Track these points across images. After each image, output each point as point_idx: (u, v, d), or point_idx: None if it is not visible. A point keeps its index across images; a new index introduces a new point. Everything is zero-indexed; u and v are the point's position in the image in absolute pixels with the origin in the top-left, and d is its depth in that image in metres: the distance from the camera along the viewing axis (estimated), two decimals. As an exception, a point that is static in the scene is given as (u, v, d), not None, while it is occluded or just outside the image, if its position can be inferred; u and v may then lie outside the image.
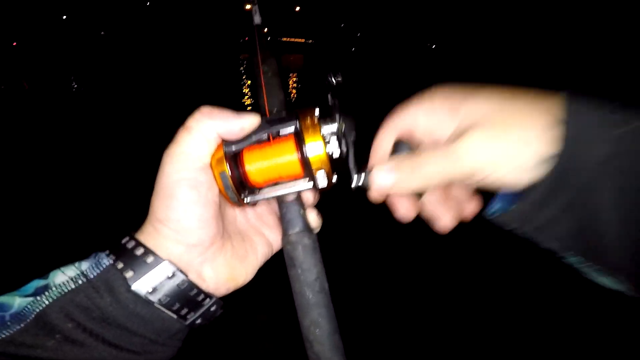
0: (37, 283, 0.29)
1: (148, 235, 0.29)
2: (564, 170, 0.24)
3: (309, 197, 0.32)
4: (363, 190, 0.30)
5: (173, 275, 0.28)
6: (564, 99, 0.25)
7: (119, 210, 2.35)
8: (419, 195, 0.32)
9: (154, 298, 0.28)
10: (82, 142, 3.97)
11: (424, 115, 0.30)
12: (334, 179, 0.29)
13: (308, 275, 0.29)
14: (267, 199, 0.30)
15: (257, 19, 0.37)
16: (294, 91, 7.35)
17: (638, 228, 0.24)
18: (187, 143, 0.28)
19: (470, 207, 0.32)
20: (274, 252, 0.34)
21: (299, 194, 0.31)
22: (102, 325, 0.27)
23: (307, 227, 0.30)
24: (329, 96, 0.29)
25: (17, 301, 0.27)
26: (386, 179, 0.29)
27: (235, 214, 0.33)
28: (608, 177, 0.24)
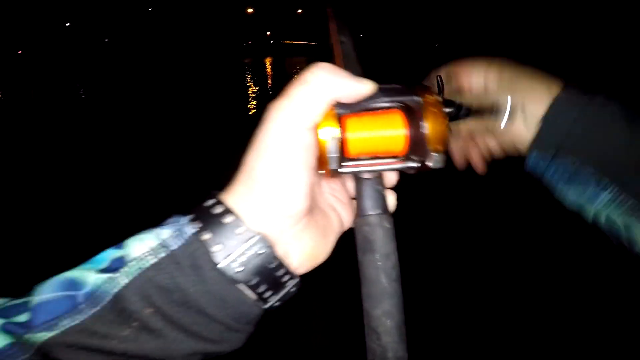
0: (112, 253, 0.25)
1: (238, 199, 0.26)
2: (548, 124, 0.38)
3: (392, 178, 0.31)
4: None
5: (263, 251, 0.25)
6: (562, 86, 0.39)
7: (126, 213, 2.42)
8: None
9: (240, 277, 0.25)
10: (89, 149, 4.01)
11: (477, 75, 0.42)
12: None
13: (386, 262, 0.27)
14: (364, 172, 0.29)
15: None
16: None
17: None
18: (303, 98, 0.25)
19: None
20: (343, 230, 0.32)
21: (381, 174, 0.29)
22: (182, 309, 0.24)
23: (387, 209, 0.28)
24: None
25: (91, 277, 0.24)
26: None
27: (319, 185, 0.31)
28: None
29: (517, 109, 0.39)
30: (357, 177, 0.29)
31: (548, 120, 0.38)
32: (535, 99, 0.39)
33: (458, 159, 0.47)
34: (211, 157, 3.45)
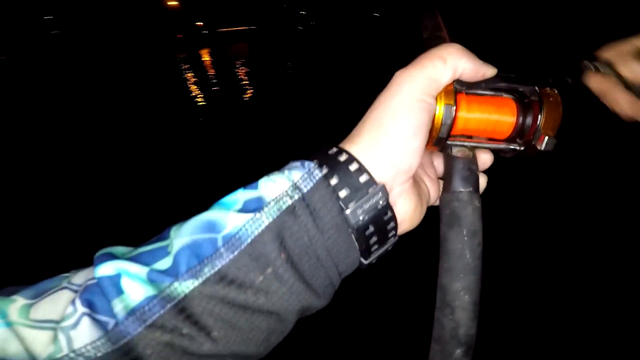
0: (245, 194, 0.25)
1: (362, 149, 0.26)
2: None
3: (487, 160, 0.32)
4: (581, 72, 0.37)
5: (383, 201, 0.26)
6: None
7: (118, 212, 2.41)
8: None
9: (361, 223, 0.25)
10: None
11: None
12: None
13: (473, 239, 0.28)
14: (465, 147, 0.30)
15: None
16: (246, 83, 7.11)
17: None
18: (436, 68, 0.27)
19: None
20: (429, 204, 0.33)
21: (474, 155, 0.31)
22: (304, 256, 0.24)
23: (478, 189, 0.29)
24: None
25: (230, 218, 0.24)
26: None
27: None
28: None
29: None
30: (452, 155, 0.30)
31: None
32: None
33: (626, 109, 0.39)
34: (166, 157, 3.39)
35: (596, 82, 0.37)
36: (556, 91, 0.29)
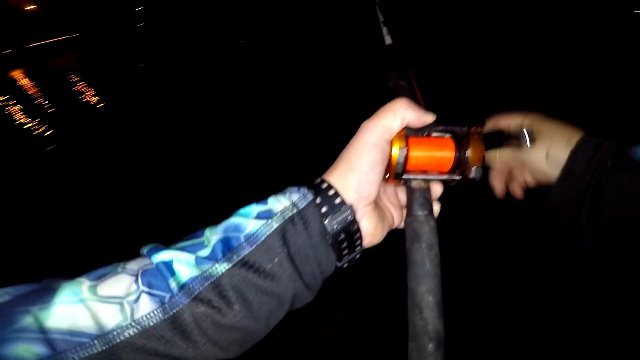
0: (259, 207, 0.34)
1: (335, 179, 0.36)
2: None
3: (438, 190, 0.41)
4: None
5: (351, 217, 0.35)
6: (584, 134, 0.47)
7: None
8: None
9: (335, 230, 0.34)
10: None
11: (515, 125, 0.51)
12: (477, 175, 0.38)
13: (430, 251, 0.35)
14: (418, 180, 0.38)
15: (388, 40, 0.48)
16: (93, 99, 6.13)
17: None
18: (389, 120, 0.36)
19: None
20: (393, 227, 0.41)
21: (428, 186, 0.38)
22: (298, 253, 0.33)
23: (432, 212, 0.37)
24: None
25: (250, 223, 0.33)
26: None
27: (383, 189, 0.41)
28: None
29: (542, 148, 0.48)
30: (410, 187, 0.38)
31: (565, 174, 0.46)
32: (557, 146, 0.47)
33: (498, 189, 0.56)
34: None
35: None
36: (479, 129, 0.38)
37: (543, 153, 0.48)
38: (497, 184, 0.56)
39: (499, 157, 0.54)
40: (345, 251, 0.36)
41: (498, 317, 1.59)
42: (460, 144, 0.38)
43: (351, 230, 0.35)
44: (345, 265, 0.37)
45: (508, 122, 0.52)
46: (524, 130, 0.49)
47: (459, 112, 0.42)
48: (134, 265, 0.32)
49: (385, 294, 1.82)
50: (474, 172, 0.37)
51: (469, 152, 0.37)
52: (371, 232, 0.37)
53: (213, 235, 0.33)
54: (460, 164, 0.38)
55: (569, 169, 0.46)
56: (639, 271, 0.40)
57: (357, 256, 0.38)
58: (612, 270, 0.44)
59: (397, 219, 0.41)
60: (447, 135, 0.39)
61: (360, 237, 0.36)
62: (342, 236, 0.35)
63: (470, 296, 1.70)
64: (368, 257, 0.40)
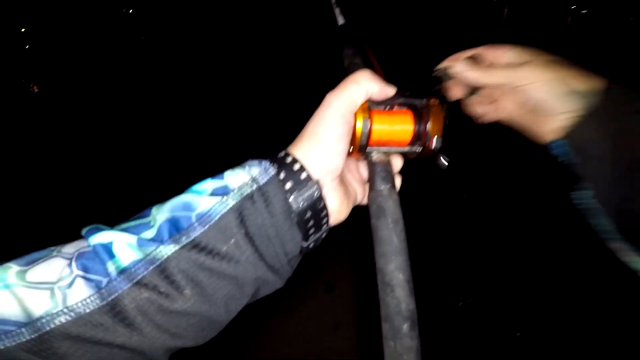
0: (213, 183, 0.31)
1: (302, 153, 0.34)
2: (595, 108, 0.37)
3: (399, 163, 0.40)
4: (440, 80, 0.45)
5: (318, 193, 0.33)
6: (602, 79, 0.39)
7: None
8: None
9: (301, 208, 0.32)
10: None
11: (507, 51, 0.43)
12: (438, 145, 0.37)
13: (396, 226, 0.33)
14: (380, 154, 0.37)
15: (340, 20, 0.47)
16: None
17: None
18: (353, 91, 0.35)
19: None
20: (357, 203, 0.40)
21: (389, 160, 0.38)
22: (258, 233, 0.30)
23: (395, 185, 0.36)
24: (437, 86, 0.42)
25: (202, 200, 0.30)
26: (465, 70, 0.43)
27: (347, 164, 0.39)
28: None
29: (556, 77, 0.39)
30: (372, 162, 0.37)
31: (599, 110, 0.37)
32: (579, 78, 0.38)
33: (480, 113, 0.46)
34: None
35: (445, 89, 0.47)
36: (438, 100, 0.37)
37: (552, 82, 0.39)
38: (479, 108, 0.46)
39: (489, 78, 0.42)
40: (312, 230, 0.34)
41: (482, 293, 1.61)
42: (420, 116, 0.37)
43: (318, 207, 0.33)
44: (312, 245, 0.35)
45: (498, 53, 0.44)
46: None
47: (417, 84, 0.41)
48: (70, 248, 0.29)
49: (351, 272, 1.85)
50: (435, 142, 0.37)
51: (429, 125, 0.36)
52: (337, 209, 0.36)
53: (159, 215, 0.30)
54: (420, 137, 0.37)
55: (605, 102, 0.37)
56: None
57: (324, 235, 0.36)
58: (624, 235, 0.38)
59: (361, 195, 0.40)
60: (407, 108, 0.38)
61: (327, 215, 0.34)
62: (308, 214, 0.33)
63: (453, 273, 1.72)
64: (333, 234, 0.38)
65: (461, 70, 0.43)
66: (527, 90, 0.40)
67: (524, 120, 0.43)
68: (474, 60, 0.45)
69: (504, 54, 0.43)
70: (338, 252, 1.86)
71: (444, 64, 0.46)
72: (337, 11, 0.49)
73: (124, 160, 3.19)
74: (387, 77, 0.39)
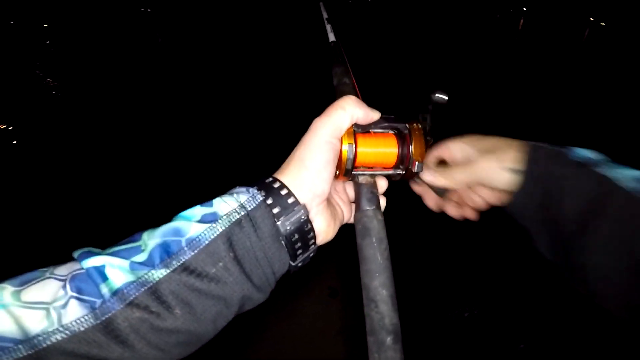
0: (203, 210, 0.33)
1: (289, 179, 0.35)
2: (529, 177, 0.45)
3: (384, 185, 0.41)
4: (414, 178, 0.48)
5: (304, 217, 0.34)
6: (527, 146, 0.46)
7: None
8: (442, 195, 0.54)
9: (288, 231, 0.34)
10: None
11: (457, 148, 0.51)
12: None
13: (380, 244, 0.35)
14: (366, 175, 0.39)
15: (331, 37, 0.49)
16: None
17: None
18: (339, 117, 0.37)
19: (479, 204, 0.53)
20: (344, 223, 0.42)
21: (375, 182, 0.39)
22: (246, 256, 0.32)
23: (380, 206, 0.38)
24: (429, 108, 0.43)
25: (191, 227, 0.32)
26: (431, 176, 0.49)
27: (333, 187, 0.41)
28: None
29: (493, 160, 0.47)
30: (357, 183, 0.39)
31: (528, 178, 0.45)
32: (506, 157, 0.46)
33: (454, 212, 0.55)
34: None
35: (415, 188, 0.55)
36: (420, 125, 0.39)
37: (498, 165, 0.47)
38: (454, 210, 0.55)
39: (454, 180, 0.50)
40: (300, 251, 0.35)
41: (486, 304, 1.61)
42: (403, 140, 0.39)
43: (304, 229, 0.35)
44: (300, 264, 0.37)
45: (449, 151, 0.52)
46: (435, 94, 0.47)
47: (400, 109, 0.43)
48: (63, 270, 0.30)
49: (337, 259, 1.84)
50: (416, 167, 0.38)
51: (411, 148, 0.38)
52: (324, 230, 0.38)
53: (150, 240, 0.31)
54: (403, 160, 0.39)
55: (530, 170, 0.45)
56: (595, 272, 0.40)
57: (312, 254, 0.37)
58: (561, 273, 0.45)
59: (347, 215, 0.42)
60: (391, 132, 0.40)
61: (314, 236, 0.36)
62: (296, 236, 0.34)
63: (460, 283, 1.72)
64: (322, 252, 0.40)
65: (429, 179, 0.50)
66: (486, 179, 0.48)
67: (499, 196, 0.51)
68: (442, 161, 0.53)
69: (454, 150, 0.51)
70: (344, 258, 1.87)
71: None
72: (328, 28, 0.51)
73: (119, 164, 3.19)
74: (375, 99, 0.41)
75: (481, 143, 0.49)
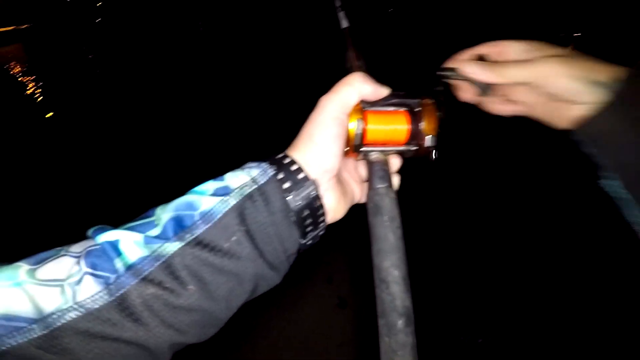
0: (215, 184, 0.33)
1: (299, 154, 0.35)
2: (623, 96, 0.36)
3: (396, 163, 0.41)
4: (443, 80, 0.45)
5: (315, 192, 0.34)
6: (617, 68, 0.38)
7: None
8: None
9: (298, 207, 0.34)
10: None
11: (512, 47, 0.43)
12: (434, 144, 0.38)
13: (392, 223, 0.34)
14: (376, 153, 0.39)
15: (344, 24, 0.48)
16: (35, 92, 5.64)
17: None
18: (346, 93, 0.36)
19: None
20: (355, 202, 0.41)
21: (387, 159, 0.39)
22: (258, 231, 0.32)
23: (392, 184, 0.37)
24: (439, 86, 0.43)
25: (204, 200, 0.32)
26: (475, 68, 0.43)
27: (344, 164, 0.41)
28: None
29: (575, 68, 0.38)
30: (369, 161, 0.38)
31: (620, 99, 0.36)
32: (596, 69, 0.38)
33: (497, 108, 0.47)
34: None
35: (453, 89, 0.47)
36: (432, 100, 0.38)
37: (566, 70, 0.38)
38: (496, 106, 0.46)
39: (504, 75, 0.41)
40: (309, 228, 0.35)
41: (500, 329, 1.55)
42: (415, 115, 0.38)
43: (315, 206, 0.35)
44: (309, 242, 0.36)
45: (508, 48, 0.44)
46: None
47: (412, 85, 0.43)
48: (77, 247, 0.30)
49: (350, 269, 1.84)
50: (429, 141, 0.38)
51: (423, 123, 0.38)
52: (334, 208, 0.37)
53: (164, 214, 0.31)
54: (415, 135, 0.38)
55: (625, 91, 0.36)
56: None
57: (321, 232, 0.37)
58: None
59: (359, 194, 0.41)
60: (402, 108, 0.39)
61: (324, 213, 0.36)
62: (306, 213, 0.34)
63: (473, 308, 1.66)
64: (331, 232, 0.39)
65: (473, 71, 0.43)
66: (545, 85, 0.40)
67: (543, 112, 0.43)
68: (481, 58, 0.45)
69: (510, 50, 0.44)
70: (356, 270, 1.85)
71: (450, 64, 0.45)
72: (341, 14, 0.52)
73: (132, 157, 3.26)
74: (387, 75, 0.41)
75: (547, 49, 0.42)
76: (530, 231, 1.91)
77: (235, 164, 0.37)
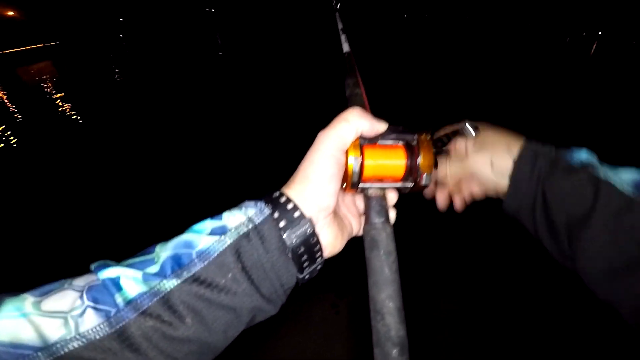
0: (213, 224, 0.34)
1: (295, 193, 0.36)
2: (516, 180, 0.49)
3: (393, 198, 0.41)
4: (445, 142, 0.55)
5: (310, 230, 0.35)
6: (524, 142, 0.50)
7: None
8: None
9: (294, 244, 0.35)
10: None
11: (461, 142, 0.56)
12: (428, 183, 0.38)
13: (388, 257, 0.35)
14: (374, 189, 0.39)
15: (345, 48, 0.48)
16: (67, 106, 5.91)
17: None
18: (343, 130, 0.37)
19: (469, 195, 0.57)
20: (353, 235, 0.42)
21: (384, 194, 0.39)
22: (254, 268, 0.33)
23: (389, 219, 0.38)
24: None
25: (202, 239, 0.33)
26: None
27: (341, 199, 0.42)
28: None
29: (486, 158, 0.51)
30: (367, 196, 0.39)
31: (513, 183, 0.49)
32: (499, 156, 0.51)
33: (442, 201, 0.59)
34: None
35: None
36: (428, 137, 0.39)
37: (488, 163, 0.51)
38: (441, 198, 0.59)
39: (449, 172, 0.56)
40: (306, 263, 0.36)
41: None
42: (412, 151, 0.39)
43: (311, 242, 0.36)
44: (307, 276, 0.37)
45: (454, 127, 0.56)
46: (466, 124, 0.52)
47: (408, 120, 0.43)
48: (80, 281, 0.32)
49: (349, 298, 1.85)
50: (425, 179, 0.38)
51: (419, 160, 0.38)
52: (331, 243, 0.38)
53: (163, 252, 0.33)
54: (412, 172, 0.39)
55: (515, 179, 0.49)
56: (593, 269, 0.41)
57: (319, 267, 0.38)
58: (571, 268, 0.45)
59: (356, 227, 0.42)
60: (399, 143, 0.39)
61: (321, 249, 0.37)
62: (302, 249, 0.35)
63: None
64: (330, 264, 0.40)
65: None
66: (476, 175, 0.54)
67: (488, 192, 0.55)
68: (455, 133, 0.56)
69: (462, 145, 0.55)
70: (358, 278, 1.85)
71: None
72: (343, 38, 0.51)
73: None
74: (383, 107, 0.41)
75: (482, 136, 0.53)
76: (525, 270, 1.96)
77: (239, 195, 0.38)
